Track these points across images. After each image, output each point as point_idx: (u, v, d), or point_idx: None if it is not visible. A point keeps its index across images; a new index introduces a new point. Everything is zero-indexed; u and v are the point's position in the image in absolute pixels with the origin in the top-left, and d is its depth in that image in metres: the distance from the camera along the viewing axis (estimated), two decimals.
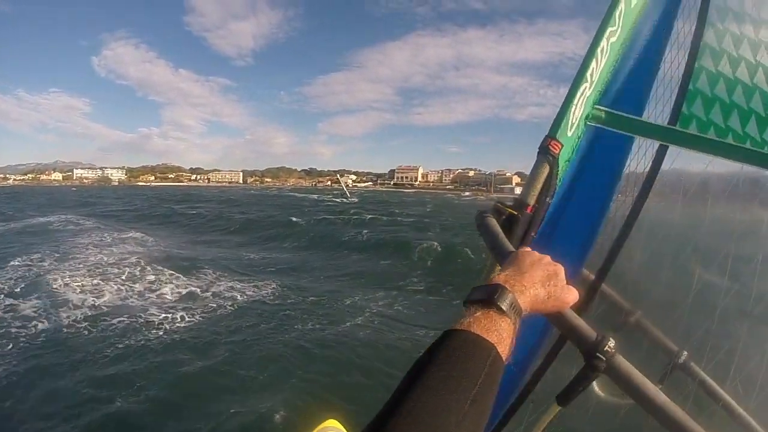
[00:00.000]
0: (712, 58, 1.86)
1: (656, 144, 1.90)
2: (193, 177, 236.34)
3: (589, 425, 2.01)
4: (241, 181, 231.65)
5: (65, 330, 10.65)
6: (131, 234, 27.02)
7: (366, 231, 30.28)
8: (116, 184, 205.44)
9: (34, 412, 7.25)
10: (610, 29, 1.64)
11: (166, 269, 16.83)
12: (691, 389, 1.88)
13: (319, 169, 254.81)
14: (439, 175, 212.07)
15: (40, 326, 10.74)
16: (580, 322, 1.09)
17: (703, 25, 1.88)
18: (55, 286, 13.93)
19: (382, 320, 12.37)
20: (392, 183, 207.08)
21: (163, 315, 11.92)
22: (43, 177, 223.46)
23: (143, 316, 11.74)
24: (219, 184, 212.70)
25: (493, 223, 1.39)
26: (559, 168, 1.56)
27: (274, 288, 15.13)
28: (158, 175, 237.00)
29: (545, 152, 1.53)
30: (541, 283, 1.00)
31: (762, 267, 1.79)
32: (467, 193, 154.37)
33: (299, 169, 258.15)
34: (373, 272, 19.42)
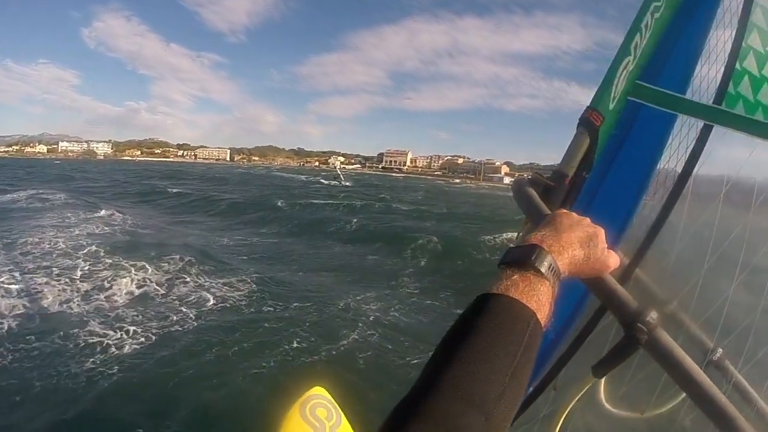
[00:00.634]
0: (760, 37, 1.64)
1: (700, 124, 1.68)
2: (180, 153, 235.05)
3: None
4: (228, 159, 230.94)
5: None
6: (101, 213, 24.61)
7: (356, 220, 28.18)
8: (101, 157, 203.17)
9: None
10: (654, 4, 1.63)
11: (127, 260, 14.63)
12: (725, 390, 1.58)
13: (307, 150, 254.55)
14: (428, 161, 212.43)
15: None
16: (620, 288, 1.04)
17: (750, 3, 1.63)
18: None
19: (382, 334, 10.62)
20: (380, 167, 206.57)
21: (104, 332, 9.51)
22: (28, 149, 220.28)
23: (79, 334, 9.25)
24: (205, 161, 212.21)
25: (531, 190, 1.34)
26: (599, 141, 1.54)
27: (252, 288, 13.10)
28: (144, 150, 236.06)
29: (586, 124, 1.51)
30: (580, 243, 0.90)
31: None
32: (457, 180, 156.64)
33: (287, 149, 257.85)
34: (366, 269, 17.65)
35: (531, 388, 1.75)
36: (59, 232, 18.62)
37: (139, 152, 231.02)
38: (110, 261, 14.49)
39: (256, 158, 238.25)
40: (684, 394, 1.26)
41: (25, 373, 7.73)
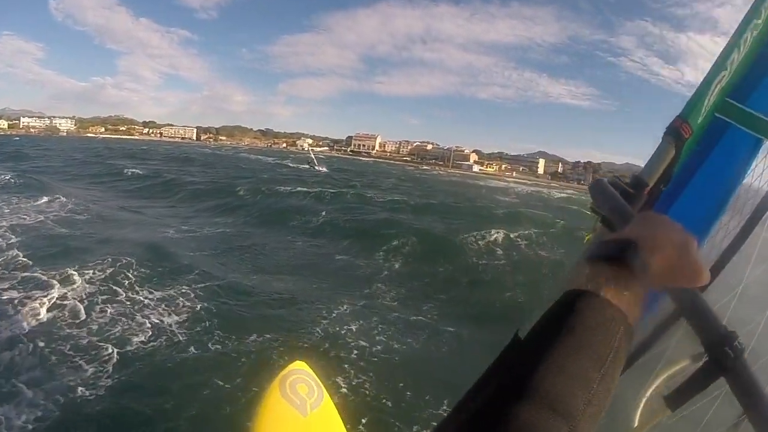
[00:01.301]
0: None
1: None
2: (145, 131, 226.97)
3: None
4: (194, 138, 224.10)
5: None
6: (43, 200, 21.80)
7: (324, 212, 25.98)
8: (64, 134, 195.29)
9: None
10: (755, 21, 1.57)
11: (48, 268, 11.93)
12: None
13: (275, 130, 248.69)
14: (397, 146, 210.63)
15: None
16: (708, 306, 0.92)
17: None
18: None
19: (368, 371, 8.72)
20: (349, 150, 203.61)
21: None
22: None
23: None
24: (171, 140, 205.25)
25: (612, 189, 1.21)
26: (682, 154, 1.47)
27: (196, 307, 10.65)
28: (109, 127, 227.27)
29: (675, 134, 1.43)
30: (674, 246, 0.78)
31: None
32: (426, 167, 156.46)
33: (255, 129, 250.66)
34: (336, 273, 15.78)
35: None
36: None
37: (103, 129, 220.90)
38: (24, 273, 11.69)
39: (223, 138, 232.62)
40: None
41: None
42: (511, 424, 0.56)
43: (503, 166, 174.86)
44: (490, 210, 31.23)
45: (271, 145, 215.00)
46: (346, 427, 1.97)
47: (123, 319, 9.60)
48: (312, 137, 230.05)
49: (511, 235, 21.76)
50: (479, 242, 20.39)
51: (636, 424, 1.42)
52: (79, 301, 10.14)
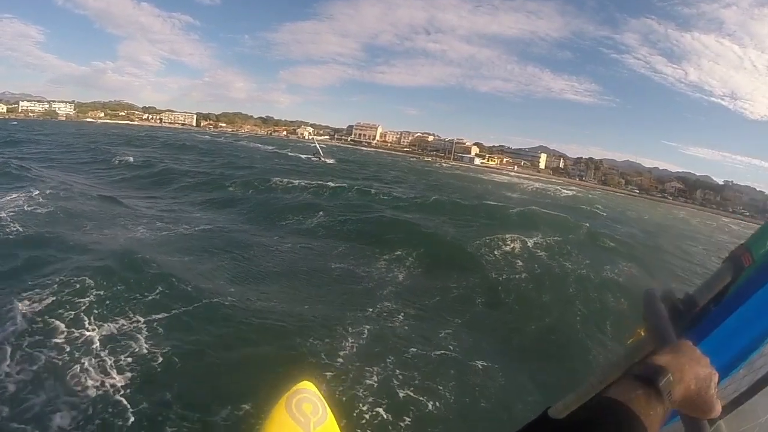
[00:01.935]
0: None
1: None
2: (145, 116, 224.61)
3: None
4: (194, 124, 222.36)
5: None
6: (10, 197, 19.12)
7: (322, 213, 23.26)
8: (63, 119, 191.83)
9: None
10: None
11: None
12: None
13: (276, 118, 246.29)
14: (398, 136, 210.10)
15: None
16: None
17: None
18: None
19: None
20: (350, 139, 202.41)
21: None
22: None
23: None
24: (171, 126, 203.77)
25: (662, 308, 1.29)
26: (738, 280, 1.44)
27: (155, 350, 8.18)
28: (108, 111, 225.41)
29: (736, 262, 1.41)
30: (697, 380, 0.93)
31: None
32: (428, 159, 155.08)
33: (255, 116, 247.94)
34: (336, 289, 13.38)
35: None
36: None
37: (102, 114, 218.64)
38: None
39: (223, 125, 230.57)
40: None
41: None
42: None
43: (505, 159, 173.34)
44: (502, 211, 28.84)
45: (271, 133, 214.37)
46: None
47: (49, 380, 6.91)
48: (312, 126, 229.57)
49: (529, 243, 19.61)
50: (495, 252, 18.18)
51: None
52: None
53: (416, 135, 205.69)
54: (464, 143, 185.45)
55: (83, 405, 6.46)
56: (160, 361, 7.83)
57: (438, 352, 9.72)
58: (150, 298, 10.11)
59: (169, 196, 25.98)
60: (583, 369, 10.19)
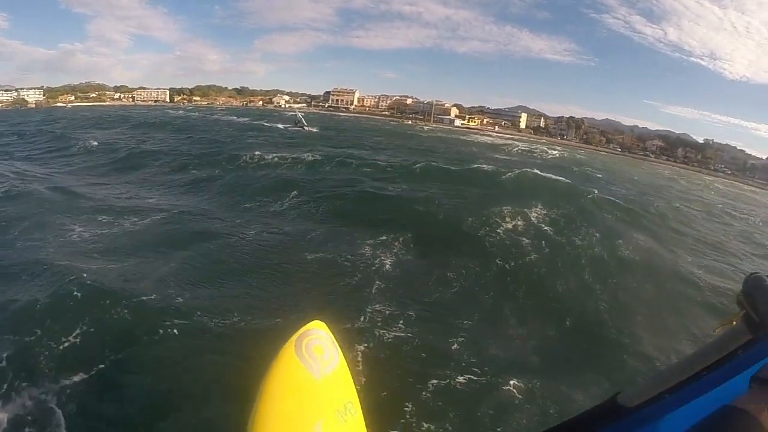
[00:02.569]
0: None
1: None
2: (117, 96, 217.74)
3: None
4: (168, 100, 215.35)
5: None
6: None
7: (296, 191, 21.00)
8: (33, 106, 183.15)
9: None
10: None
11: None
12: None
13: (251, 88, 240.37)
14: (376, 100, 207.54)
15: None
16: None
17: None
18: None
19: None
20: (327, 105, 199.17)
21: None
22: None
23: None
24: (144, 103, 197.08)
25: None
26: None
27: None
28: (79, 94, 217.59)
29: None
30: None
31: None
32: (408, 122, 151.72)
33: (230, 88, 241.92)
34: (312, 286, 11.43)
35: None
36: None
37: (73, 97, 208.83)
38: None
39: (198, 99, 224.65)
40: None
41: None
42: None
43: (485, 120, 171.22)
44: (495, 177, 26.44)
45: (246, 104, 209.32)
46: (359, 395, 1.71)
47: None
48: (289, 94, 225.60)
49: (532, 217, 17.65)
50: (497, 230, 16.08)
51: None
52: None
53: (395, 98, 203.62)
54: (443, 105, 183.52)
55: None
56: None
57: (462, 378, 7.85)
58: (64, 346, 7.85)
59: (128, 182, 23.57)
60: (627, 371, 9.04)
